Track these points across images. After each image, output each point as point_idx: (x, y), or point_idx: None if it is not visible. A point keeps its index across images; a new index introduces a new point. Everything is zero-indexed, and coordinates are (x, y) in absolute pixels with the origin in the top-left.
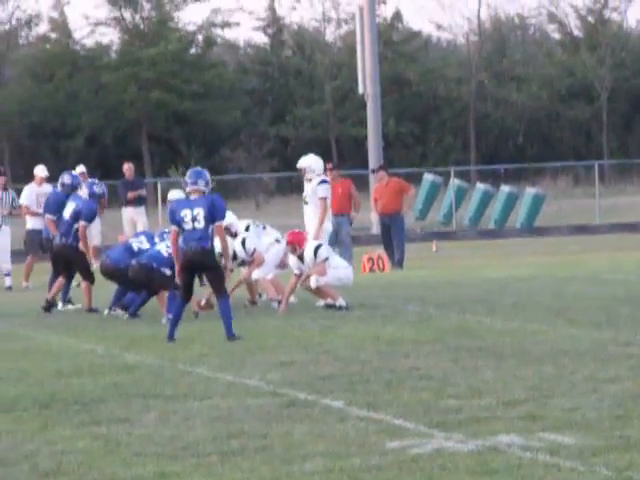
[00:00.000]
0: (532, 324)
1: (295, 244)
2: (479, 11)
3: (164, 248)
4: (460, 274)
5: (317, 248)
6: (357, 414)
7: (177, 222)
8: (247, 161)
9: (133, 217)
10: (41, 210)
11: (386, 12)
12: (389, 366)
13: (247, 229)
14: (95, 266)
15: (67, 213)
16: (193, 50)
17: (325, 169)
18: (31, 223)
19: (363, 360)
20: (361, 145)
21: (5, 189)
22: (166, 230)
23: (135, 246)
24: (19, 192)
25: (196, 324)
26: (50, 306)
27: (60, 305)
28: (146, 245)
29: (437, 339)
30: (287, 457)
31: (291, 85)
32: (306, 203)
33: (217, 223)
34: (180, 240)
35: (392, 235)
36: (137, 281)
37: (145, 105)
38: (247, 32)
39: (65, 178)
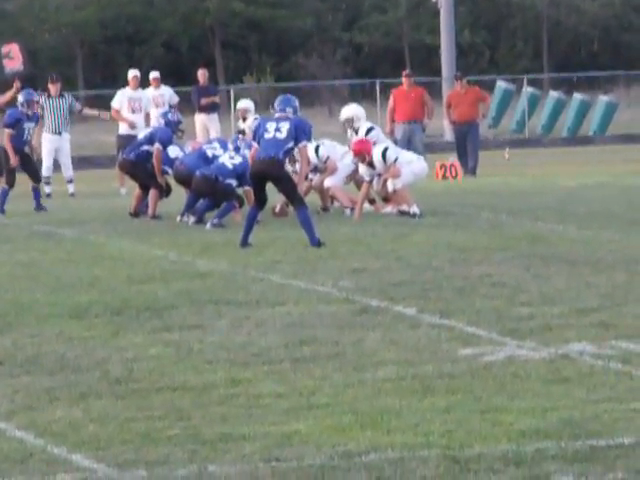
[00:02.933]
0: (605, 232)
1: (363, 152)
2: None
3: (227, 160)
4: (532, 182)
5: (385, 152)
6: (429, 321)
7: (260, 135)
8: (320, 68)
9: (206, 123)
10: (134, 115)
11: None
12: (461, 273)
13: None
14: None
15: (142, 134)
16: None
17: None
18: (122, 128)
19: (435, 267)
20: (434, 53)
21: (61, 95)
22: (239, 136)
23: (209, 152)
24: (95, 97)
25: (268, 231)
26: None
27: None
28: (220, 152)
29: (509, 247)
30: (359, 364)
31: None
32: None
33: (301, 144)
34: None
35: (467, 142)
36: (201, 192)
37: (219, 12)
38: None
39: None
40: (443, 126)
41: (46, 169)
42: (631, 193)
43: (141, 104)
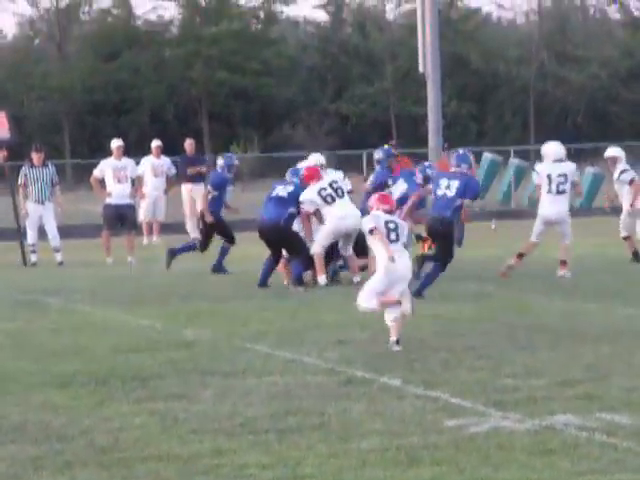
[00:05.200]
0: (590, 304)
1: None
2: None
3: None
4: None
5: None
6: (414, 392)
7: (433, 190)
8: (307, 138)
9: (192, 194)
10: (119, 184)
11: None
12: (446, 344)
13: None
14: (155, 240)
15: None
16: (254, 27)
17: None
18: (108, 198)
19: (420, 338)
20: (420, 124)
21: (45, 165)
22: (298, 167)
23: (283, 193)
24: (82, 166)
25: (255, 301)
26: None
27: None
28: (290, 188)
29: (495, 317)
30: (344, 435)
31: (351, 63)
32: None
33: (466, 200)
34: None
35: None
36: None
37: (206, 82)
38: (308, 9)
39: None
40: (429, 197)
41: (30, 237)
42: (616, 265)
43: (126, 173)
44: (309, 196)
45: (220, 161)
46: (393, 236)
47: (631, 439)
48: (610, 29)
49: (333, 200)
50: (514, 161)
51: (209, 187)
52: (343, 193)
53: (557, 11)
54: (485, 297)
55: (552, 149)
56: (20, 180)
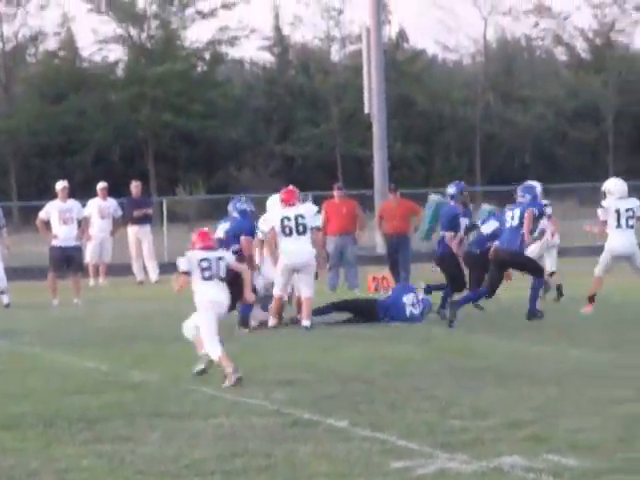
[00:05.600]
0: (537, 345)
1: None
2: (485, 32)
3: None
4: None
5: None
6: (361, 434)
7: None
8: (252, 180)
9: (138, 235)
10: (65, 226)
11: (390, 31)
12: (393, 386)
13: None
14: (101, 281)
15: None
16: (199, 68)
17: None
18: (55, 239)
19: (367, 380)
20: (366, 165)
21: None
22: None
23: (220, 234)
24: (28, 208)
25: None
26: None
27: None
28: (227, 225)
29: (441, 359)
30: (291, 477)
31: (297, 104)
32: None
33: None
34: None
35: (399, 255)
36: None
37: (152, 124)
38: (253, 51)
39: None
40: (375, 239)
41: None
42: (561, 305)
43: (72, 215)
44: (270, 219)
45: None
46: (207, 274)
47: None
48: (556, 69)
49: (290, 234)
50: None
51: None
52: (304, 230)
53: (503, 52)
54: (433, 339)
55: (619, 185)
56: None
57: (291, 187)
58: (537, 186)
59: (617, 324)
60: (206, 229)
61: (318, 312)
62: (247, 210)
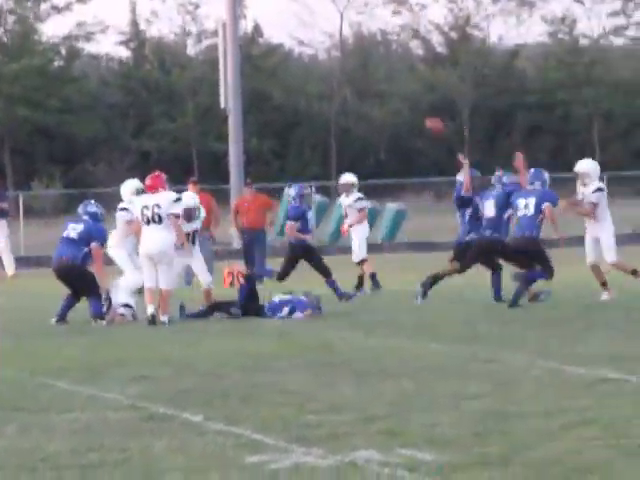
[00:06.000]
0: (392, 339)
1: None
2: (341, 27)
3: None
4: (321, 289)
5: None
6: (216, 428)
7: (514, 211)
8: (108, 174)
9: None
10: None
11: (246, 26)
12: (249, 381)
13: None
14: None
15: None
16: (56, 63)
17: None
18: None
19: (223, 374)
20: (222, 160)
21: None
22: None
23: (73, 234)
24: None
25: (56, 338)
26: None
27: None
28: (80, 227)
29: (297, 354)
30: (146, 471)
31: (153, 99)
32: None
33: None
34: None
35: (254, 249)
36: None
37: (8, 119)
38: (110, 46)
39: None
40: (231, 233)
41: None
42: (428, 301)
43: None
44: (133, 208)
45: (292, 192)
46: None
47: (433, 475)
48: (412, 64)
49: (148, 223)
50: (316, 197)
51: (291, 222)
52: (160, 219)
53: (359, 47)
54: (288, 334)
55: (597, 168)
56: None
57: (157, 173)
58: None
59: (470, 318)
60: None
61: (201, 315)
62: (98, 213)
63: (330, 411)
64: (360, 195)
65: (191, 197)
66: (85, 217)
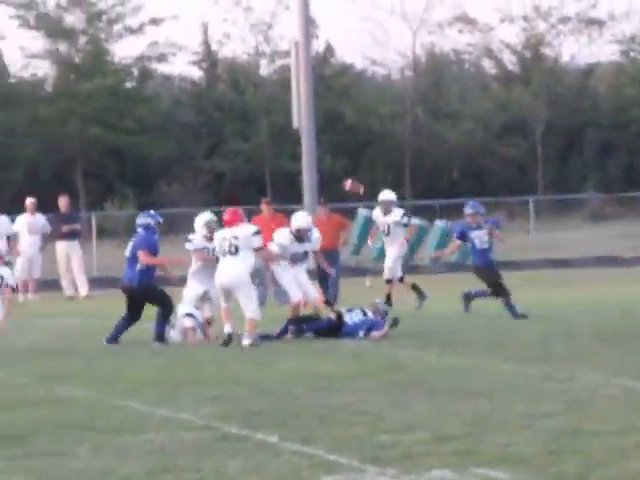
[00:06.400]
0: (466, 359)
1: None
2: (414, 46)
3: None
4: (395, 309)
5: None
6: (290, 449)
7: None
8: (182, 195)
9: (67, 251)
10: None
11: (318, 46)
12: (322, 401)
13: None
14: (31, 297)
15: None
16: (128, 84)
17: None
18: None
19: (296, 395)
20: (296, 180)
21: None
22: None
23: (127, 253)
24: None
25: (129, 358)
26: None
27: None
28: (130, 244)
29: (371, 374)
30: None
31: (226, 119)
32: None
33: None
34: None
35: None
36: None
37: (81, 140)
38: (182, 66)
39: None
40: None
41: None
42: (492, 320)
43: (1, 230)
44: (214, 241)
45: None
46: None
47: None
48: (485, 83)
49: (224, 255)
50: None
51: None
52: (237, 251)
53: (432, 66)
54: (361, 354)
55: None
56: None
57: (234, 208)
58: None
59: (550, 337)
60: None
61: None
62: (150, 223)
63: (404, 431)
64: (403, 210)
65: (304, 218)
66: (138, 229)
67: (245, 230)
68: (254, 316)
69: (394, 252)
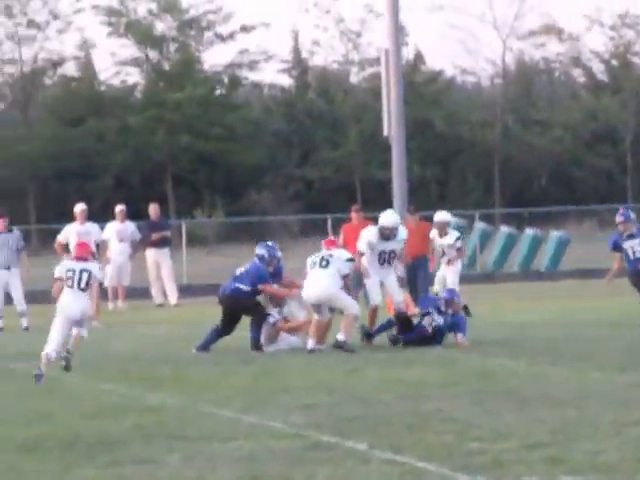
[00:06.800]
0: (555, 368)
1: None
2: (504, 54)
3: None
4: (484, 317)
5: None
6: (380, 457)
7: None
8: (272, 203)
9: (157, 258)
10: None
11: (408, 54)
12: (412, 408)
13: None
14: (120, 304)
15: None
16: (218, 91)
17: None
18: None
19: (386, 402)
20: (386, 188)
21: (9, 230)
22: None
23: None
24: (47, 231)
25: (219, 366)
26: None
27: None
28: (246, 266)
29: (460, 382)
30: None
31: (316, 127)
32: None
33: None
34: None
35: (417, 277)
36: None
37: (171, 148)
38: (272, 74)
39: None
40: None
41: None
42: (581, 329)
43: (90, 238)
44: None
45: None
46: (70, 282)
47: None
48: (574, 92)
49: (312, 267)
50: (479, 225)
51: None
52: (327, 264)
53: (522, 74)
54: (450, 362)
55: None
56: None
57: (331, 238)
58: None
59: (635, 346)
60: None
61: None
62: (264, 255)
63: (493, 439)
64: (458, 234)
65: (390, 216)
66: (255, 258)
67: (339, 254)
68: (354, 311)
69: (454, 271)
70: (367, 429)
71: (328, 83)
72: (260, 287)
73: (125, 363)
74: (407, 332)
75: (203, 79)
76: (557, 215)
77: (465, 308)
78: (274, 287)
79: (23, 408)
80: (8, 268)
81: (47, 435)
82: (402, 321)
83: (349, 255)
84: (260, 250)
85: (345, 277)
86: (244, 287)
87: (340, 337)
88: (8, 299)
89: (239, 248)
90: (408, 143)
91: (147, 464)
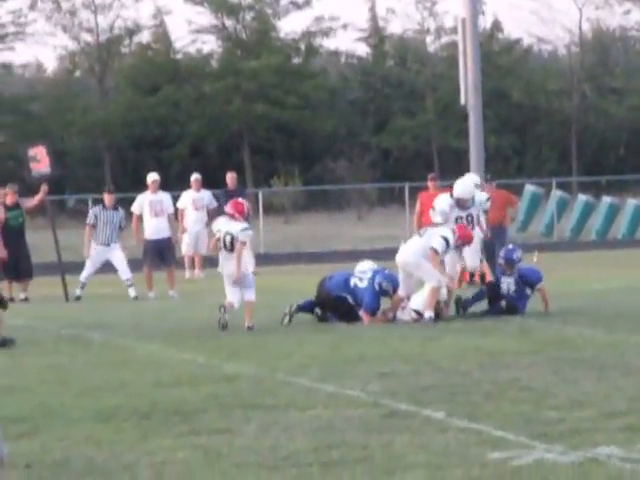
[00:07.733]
0: (634, 336)
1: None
2: (580, 22)
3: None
4: (561, 286)
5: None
6: (458, 425)
7: None
8: (349, 171)
9: None
10: (156, 218)
11: (485, 22)
12: (490, 377)
13: None
14: (197, 273)
15: None
16: (294, 60)
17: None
18: (148, 232)
19: (464, 371)
20: (462, 157)
21: (115, 209)
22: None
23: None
24: (123, 200)
25: (296, 335)
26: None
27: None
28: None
29: (538, 350)
30: (388, 468)
31: (393, 96)
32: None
33: None
34: None
35: (495, 246)
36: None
37: (247, 116)
38: (348, 42)
39: None
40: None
41: (85, 275)
42: None
43: (163, 207)
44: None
45: None
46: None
47: None
48: None
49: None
50: (557, 193)
51: None
52: (423, 235)
53: (598, 43)
54: (528, 330)
55: None
56: (90, 220)
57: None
58: None
59: None
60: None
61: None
62: (387, 291)
63: (571, 407)
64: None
65: (466, 187)
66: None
67: (440, 230)
68: (433, 283)
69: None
70: (444, 398)
71: (405, 52)
72: (361, 313)
73: (202, 332)
74: (496, 302)
75: (279, 47)
76: (634, 183)
77: (481, 277)
78: (378, 316)
79: (100, 378)
80: (108, 245)
81: (123, 405)
82: (492, 291)
83: (446, 234)
84: (384, 282)
85: (433, 251)
86: (349, 298)
87: (427, 314)
88: (107, 268)
89: (316, 216)
90: (484, 112)
91: (224, 434)
